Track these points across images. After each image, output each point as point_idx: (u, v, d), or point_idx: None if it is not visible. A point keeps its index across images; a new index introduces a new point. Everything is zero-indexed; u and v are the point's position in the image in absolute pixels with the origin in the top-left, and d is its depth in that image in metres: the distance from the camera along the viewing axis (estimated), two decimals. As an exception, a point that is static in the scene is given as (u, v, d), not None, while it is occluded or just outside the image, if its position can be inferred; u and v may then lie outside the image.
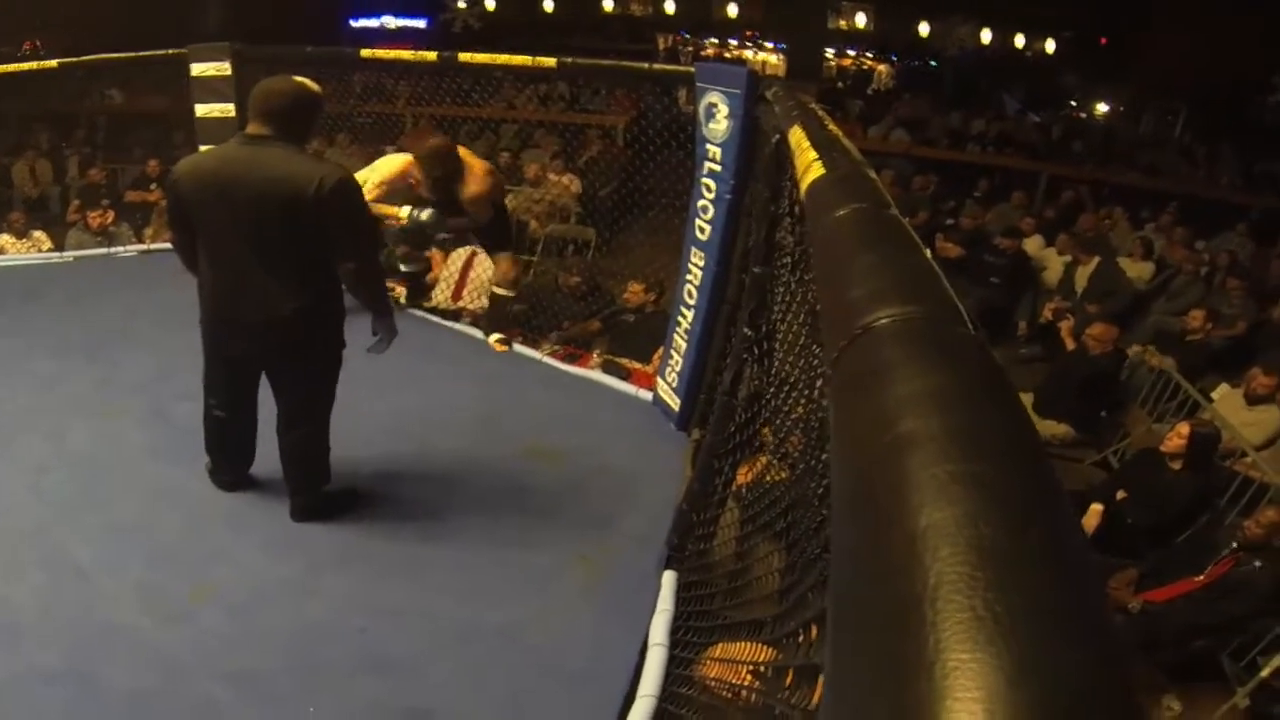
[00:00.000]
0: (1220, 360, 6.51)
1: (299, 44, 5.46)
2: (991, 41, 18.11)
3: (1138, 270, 8.17)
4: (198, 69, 5.60)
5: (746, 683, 2.03)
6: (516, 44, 14.85)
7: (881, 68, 20.35)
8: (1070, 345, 6.45)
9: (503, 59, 4.90)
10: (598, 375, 4.59)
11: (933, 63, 19.16)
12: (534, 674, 2.57)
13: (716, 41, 21.03)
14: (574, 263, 7.23)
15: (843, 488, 0.57)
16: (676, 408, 3.99)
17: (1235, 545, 4.12)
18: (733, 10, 19.60)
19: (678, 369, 3.99)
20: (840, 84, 18.78)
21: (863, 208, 1.07)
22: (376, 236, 4.14)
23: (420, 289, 5.48)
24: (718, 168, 3.61)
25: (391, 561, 3.00)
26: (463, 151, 4.57)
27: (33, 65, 6.23)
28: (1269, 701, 3.71)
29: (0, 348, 4.39)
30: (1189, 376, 5.71)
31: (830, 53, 19.25)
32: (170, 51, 5.81)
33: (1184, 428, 4.80)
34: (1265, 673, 3.68)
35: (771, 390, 2.51)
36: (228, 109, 5.53)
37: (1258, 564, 3.96)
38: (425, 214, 4.38)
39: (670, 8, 19.87)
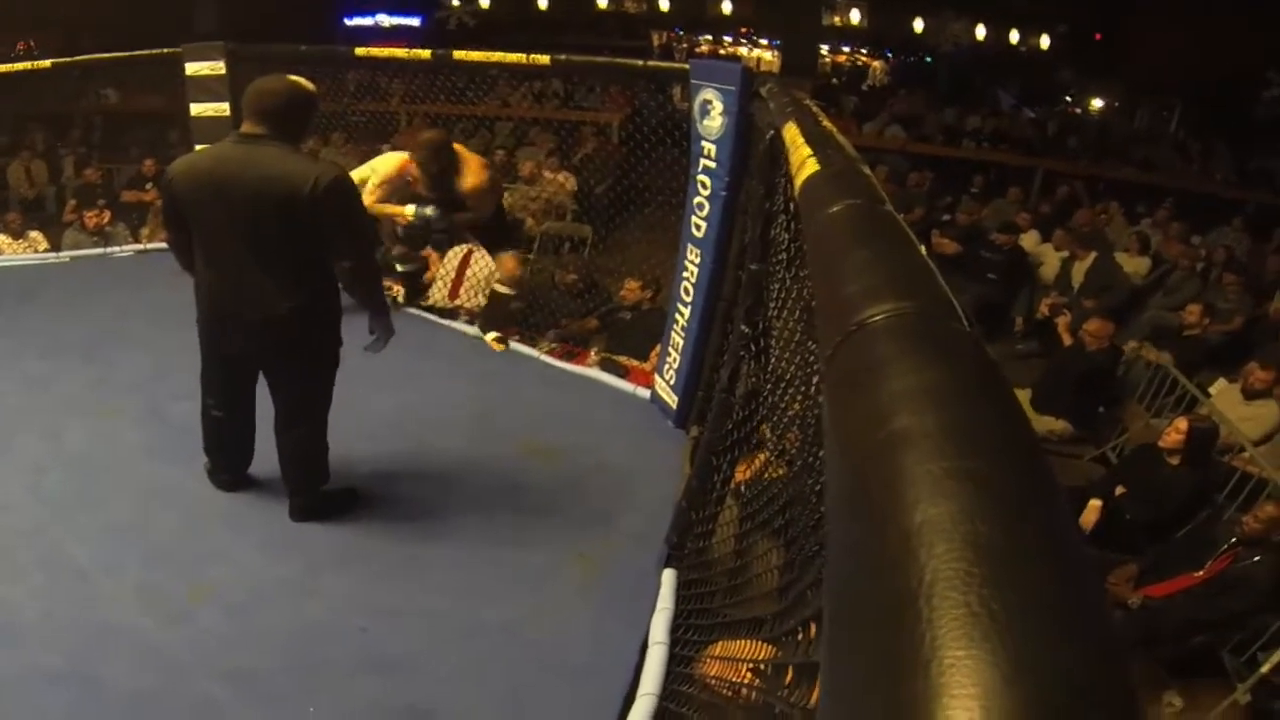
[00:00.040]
0: (1217, 355, 6.53)
1: (293, 43, 5.45)
2: (986, 37, 18.11)
3: (1134, 265, 8.18)
4: (192, 68, 5.59)
5: (747, 680, 2.04)
6: (511, 41, 14.84)
7: (876, 64, 20.34)
8: (1067, 341, 6.47)
9: (497, 57, 4.89)
10: (595, 373, 4.58)
11: (927, 59, 19.16)
12: (535, 670, 2.57)
13: (711, 38, 21.01)
14: (570, 260, 7.23)
15: (838, 484, 0.57)
16: (674, 405, 3.99)
17: (1234, 540, 4.13)
18: (727, 7, 19.60)
19: (675, 366, 3.99)
20: (835, 80, 18.76)
21: (857, 204, 1.06)
22: (372, 235, 4.14)
23: (417, 288, 5.47)
24: (713, 164, 3.61)
25: (390, 561, 3.00)
26: (457, 146, 4.57)
27: (27, 65, 6.21)
28: (1269, 697, 3.72)
29: (-4, 349, 4.38)
30: (1186, 372, 5.72)
31: (824, 49, 19.23)
32: (164, 51, 5.80)
33: (1182, 423, 4.81)
34: (1265, 668, 3.69)
35: (769, 387, 2.51)
36: (222, 108, 5.52)
37: (1257, 559, 3.96)
38: (431, 210, 4.39)
39: (664, 4, 19.87)
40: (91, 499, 3.20)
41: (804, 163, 1.48)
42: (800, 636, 1.60)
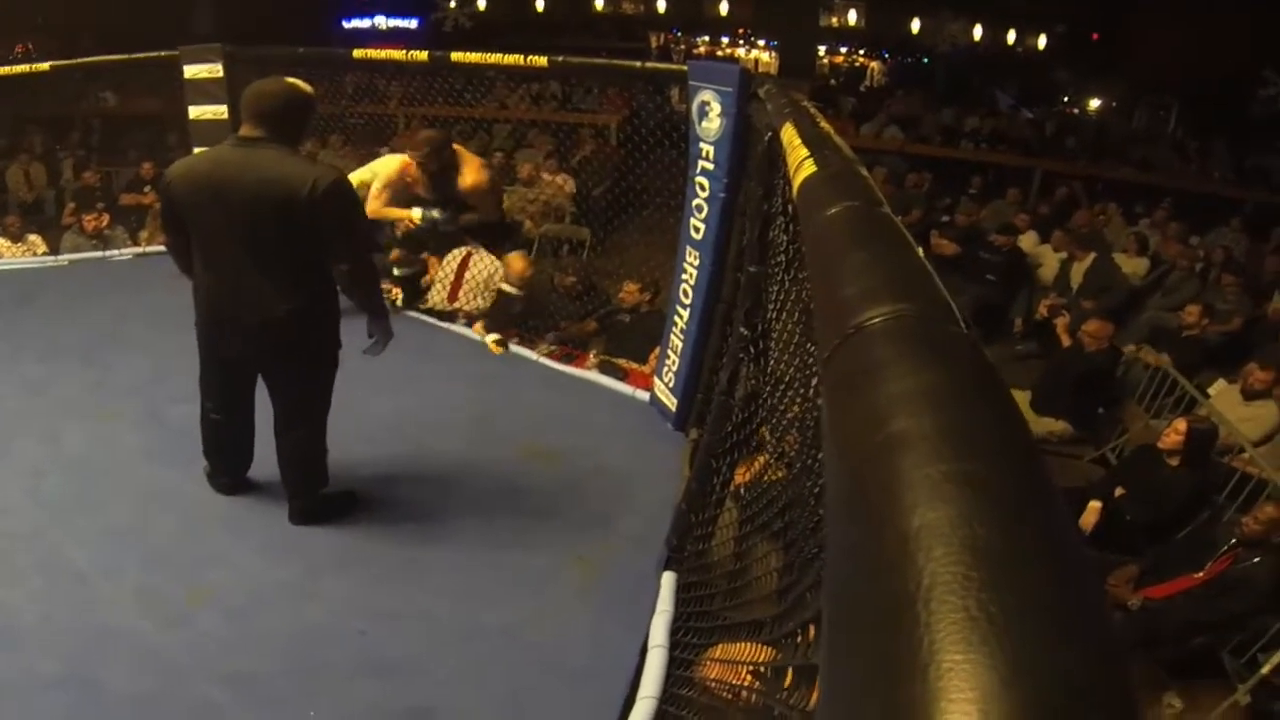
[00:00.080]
0: (1216, 356, 6.52)
1: (291, 45, 5.45)
2: (983, 38, 18.16)
3: (1133, 266, 8.18)
4: (190, 71, 5.59)
5: (746, 683, 2.03)
6: (508, 43, 14.85)
7: (873, 65, 20.38)
8: (1066, 342, 6.46)
9: (494, 58, 4.89)
10: (594, 375, 4.58)
11: (925, 59, 19.18)
12: (534, 673, 2.57)
13: (708, 39, 21.05)
14: (569, 263, 7.22)
15: (836, 488, 0.57)
16: (673, 407, 3.99)
17: (1234, 541, 4.12)
18: (724, 8, 19.65)
19: (674, 369, 3.99)
20: (832, 81, 18.80)
21: (854, 205, 1.06)
22: (371, 238, 4.14)
23: (416, 291, 5.47)
24: (711, 166, 3.61)
25: (390, 564, 3.00)
26: (456, 146, 4.57)
27: (25, 68, 6.21)
28: (1270, 698, 3.72)
29: (-5, 352, 4.38)
30: (1185, 372, 5.71)
31: (822, 50, 19.27)
32: (162, 54, 5.80)
33: (1181, 424, 4.80)
34: (1266, 669, 3.69)
35: (768, 389, 2.51)
36: (220, 111, 5.53)
37: (1257, 560, 3.96)
38: (437, 213, 4.39)
39: (662, 6, 19.92)
40: (90, 502, 3.20)
41: (802, 164, 1.48)
42: (800, 639, 1.60)
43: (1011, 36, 18.01)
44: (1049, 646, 0.37)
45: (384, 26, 20.30)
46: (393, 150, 5.46)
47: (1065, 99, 17.41)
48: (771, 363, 2.50)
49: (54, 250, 6.87)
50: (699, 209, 3.73)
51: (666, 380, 4.06)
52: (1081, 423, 5.96)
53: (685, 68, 3.85)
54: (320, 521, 3.14)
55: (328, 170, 2.77)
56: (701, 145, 3.63)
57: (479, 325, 5.05)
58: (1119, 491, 4.85)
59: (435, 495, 3.38)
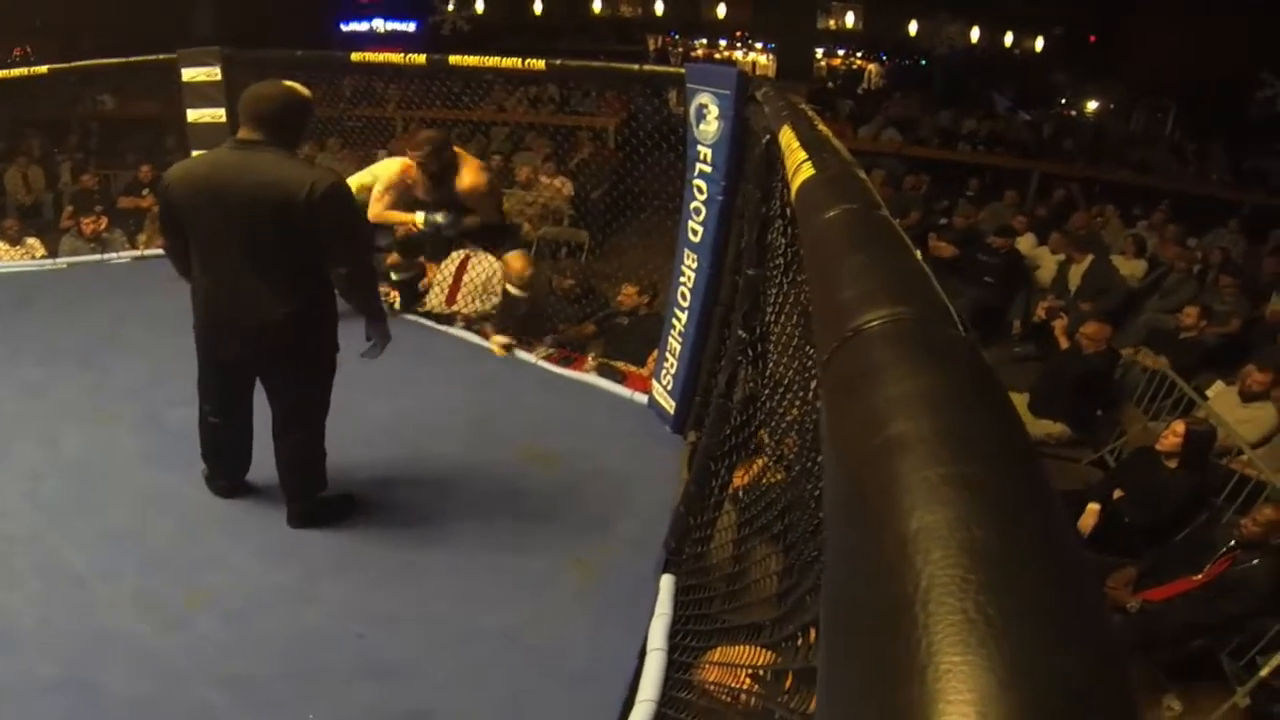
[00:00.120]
0: (1214, 358, 6.52)
1: (289, 48, 5.45)
2: (980, 40, 18.18)
3: (1131, 268, 8.18)
4: (189, 74, 5.59)
5: (746, 686, 2.03)
6: (506, 46, 14.84)
7: (871, 67, 20.40)
8: (1064, 344, 6.46)
9: (492, 61, 4.89)
10: (592, 378, 4.58)
11: (922, 62, 19.20)
12: (533, 676, 2.56)
13: (706, 42, 21.05)
14: (567, 265, 7.23)
15: (834, 490, 0.57)
16: (672, 410, 3.99)
17: (1232, 543, 4.12)
18: (722, 11, 19.64)
19: (673, 371, 3.99)
20: (830, 84, 18.83)
21: (852, 208, 1.07)
22: (369, 241, 4.13)
23: (414, 294, 5.47)
24: (709, 169, 3.61)
25: (388, 567, 3.00)
26: (455, 147, 4.57)
27: (23, 71, 6.21)
28: (1269, 700, 3.71)
29: (-7, 355, 4.37)
30: (1183, 374, 5.71)
31: (820, 53, 19.30)
32: (160, 57, 5.80)
33: (1179, 426, 4.80)
34: (1265, 672, 3.68)
35: (767, 392, 2.51)
36: (218, 114, 5.53)
37: (1255, 562, 3.96)
38: (441, 217, 4.39)
39: (659, 9, 19.90)
40: (89, 505, 3.19)
41: (799, 167, 1.48)
42: (799, 642, 1.60)
43: (1009, 39, 18.02)
44: (1047, 649, 0.37)
45: (382, 29, 20.29)
46: (391, 153, 5.46)
47: (1063, 101, 17.43)
48: (770, 365, 2.50)
49: (52, 253, 6.87)
50: (697, 212, 3.73)
51: (665, 383, 4.06)
52: (1080, 425, 5.96)
53: (683, 70, 3.85)
54: (318, 524, 3.14)
55: (326, 173, 2.77)
56: (699, 148, 3.64)
57: (487, 327, 5.04)
58: (1117, 494, 4.86)
59: (433, 498, 3.38)
